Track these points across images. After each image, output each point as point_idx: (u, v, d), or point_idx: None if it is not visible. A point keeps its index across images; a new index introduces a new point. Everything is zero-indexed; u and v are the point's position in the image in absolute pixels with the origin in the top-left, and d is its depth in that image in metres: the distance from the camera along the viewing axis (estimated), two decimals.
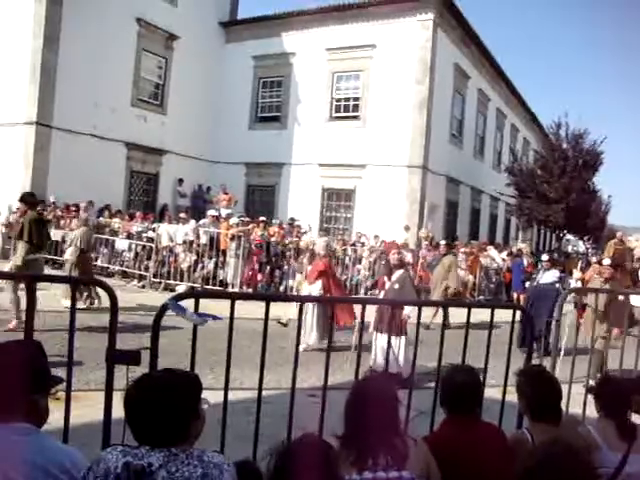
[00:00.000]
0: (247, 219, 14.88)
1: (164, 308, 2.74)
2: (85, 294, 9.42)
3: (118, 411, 2.05)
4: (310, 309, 8.33)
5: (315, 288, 8.59)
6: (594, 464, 2.26)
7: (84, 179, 16.18)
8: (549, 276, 9.67)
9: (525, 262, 15.23)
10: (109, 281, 9.31)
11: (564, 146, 21.22)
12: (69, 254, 10.05)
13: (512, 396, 3.57)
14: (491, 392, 3.63)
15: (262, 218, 15.05)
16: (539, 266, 11.59)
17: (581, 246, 36.15)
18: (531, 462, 1.93)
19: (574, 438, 2.76)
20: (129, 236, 14.54)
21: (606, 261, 8.37)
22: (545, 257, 10.64)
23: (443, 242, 13.40)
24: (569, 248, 35.57)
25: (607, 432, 2.90)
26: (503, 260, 16.81)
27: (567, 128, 21.35)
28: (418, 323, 3.56)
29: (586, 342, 6.67)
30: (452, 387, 2.80)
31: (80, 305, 8.76)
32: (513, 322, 3.68)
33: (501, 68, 23.85)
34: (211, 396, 2.00)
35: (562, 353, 6.71)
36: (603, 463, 2.69)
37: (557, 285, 9.61)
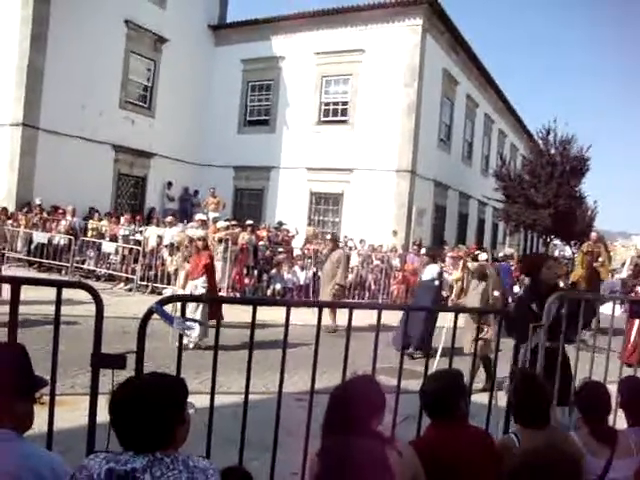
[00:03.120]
0: (233, 223, 14.79)
1: (150, 312, 2.72)
2: None
3: (103, 415, 2.03)
4: (191, 306, 7.47)
5: (198, 283, 8.34)
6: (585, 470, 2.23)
7: (71, 181, 16.06)
8: (428, 272, 9.09)
9: (513, 266, 15.27)
10: (95, 284, 9.24)
11: (552, 152, 21.37)
12: None
13: (500, 401, 3.60)
14: (478, 396, 3.64)
15: (250, 222, 15.01)
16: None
17: (568, 251, 36.42)
18: (520, 464, 1.90)
19: (564, 444, 2.76)
20: (115, 239, 14.43)
21: (483, 256, 7.89)
22: (423, 251, 9.91)
23: (328, 237, 12.43)
24: (556, 253, 35.79)
25: (589, 438, 2.91)
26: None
27: (555, 135, 21.53)
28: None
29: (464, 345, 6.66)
30: (427, 392, 2.78)
31: None
32: (500, 326, 3.70)
33: (489, 74, 24.01)
34: (197, 400, 1.98)
35: (439, 353, 6.72)
36: (587, 470, 2.67)
37: (436, 282, 9.01)
